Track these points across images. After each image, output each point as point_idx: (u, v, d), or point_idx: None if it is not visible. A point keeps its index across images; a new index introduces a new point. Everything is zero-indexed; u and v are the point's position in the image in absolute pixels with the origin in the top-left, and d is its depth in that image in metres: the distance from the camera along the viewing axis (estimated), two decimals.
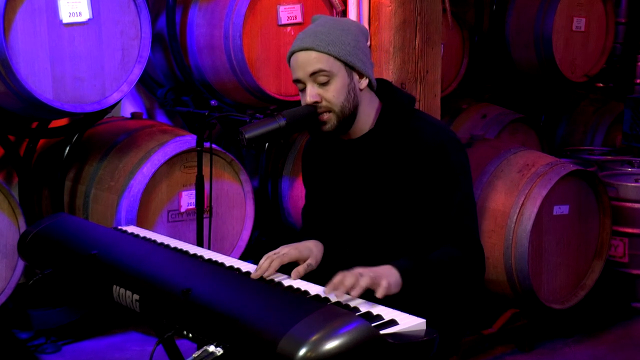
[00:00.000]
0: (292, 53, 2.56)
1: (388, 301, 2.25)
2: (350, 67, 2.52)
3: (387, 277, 2.29)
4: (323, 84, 2.51)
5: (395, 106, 2.62)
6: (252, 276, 2.41)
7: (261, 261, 2.46)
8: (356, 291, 2.17)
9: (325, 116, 2.54)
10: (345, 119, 2.54)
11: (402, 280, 2.33)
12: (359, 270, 2.27)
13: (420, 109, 3.68)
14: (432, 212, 2.54)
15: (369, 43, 2.66)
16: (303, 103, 2.57)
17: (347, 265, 2.59)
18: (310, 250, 2.58)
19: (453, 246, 2.50)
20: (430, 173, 2.53)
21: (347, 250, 2.68)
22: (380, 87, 2.67)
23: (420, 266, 2.40)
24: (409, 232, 2.59)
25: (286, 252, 2.50)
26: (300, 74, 2.53)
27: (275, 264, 2.44)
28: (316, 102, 2.52)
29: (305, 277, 2.49)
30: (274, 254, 2.49)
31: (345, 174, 2.67)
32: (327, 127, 2.55)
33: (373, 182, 2.61)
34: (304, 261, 2.53)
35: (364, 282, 2.20)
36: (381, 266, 2.35)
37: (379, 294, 2.19)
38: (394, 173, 2.57)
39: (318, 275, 2.57)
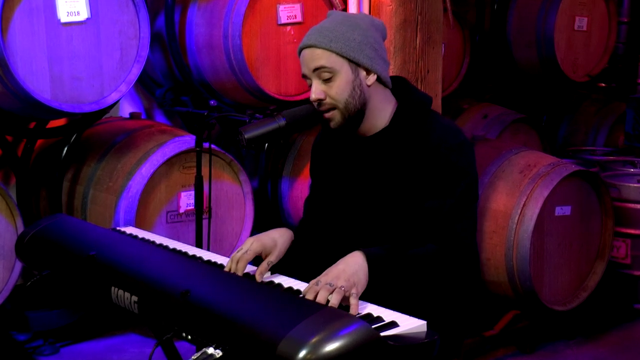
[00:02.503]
0: (300, 49, 2.57)
1: (388, 303, 2.24)
2: (354, 63, 2.51)
3: (355, 276, 2.27)
4: (327, 80, 2.51)
5: (411, 106, 2.61)
6: (225, 269, 2.45)
7: (228, 263, 2.49)
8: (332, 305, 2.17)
9: (329, 114, 2.53)
10: (350, 116, 2.53)
11: (369, 267, 2.32)
12: (327, 277, 2.25)
13: None
14: (424, 208, 2.52)
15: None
16: (311, 99, 2.56)
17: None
18: (274, 242, 2.56)
19: (433, 245, 2.48)
20: (433, 174, 2.52)
21: (349, 246, 2.65)
22: (397, 85, 2.65)
23: (389, 256, 2.39)
24: (409, 231, 2.57)
25: (249, 248, 2.50)
26: (305, 70, 2.55)
27: (241, 266, 2.45)
28: (320, 99, 2.52)
29: (301, 274, 2.50)
30: (238, 252, 2.50)
31: (353, 170, 2.66)
32: (333, 124, 2.55)
33: (379, 181, 2.59)
34: (267, 255, 2.52)
35: (336, 301, 2.17)
36: (348, 257, 2.34)
37: (352, 311, 2.16)
38: (401, 172, 2.56)
39: (315, 271, 2.56)
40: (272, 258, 2.52)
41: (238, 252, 2.50)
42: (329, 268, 2.31)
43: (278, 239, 2.57)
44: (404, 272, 2.42)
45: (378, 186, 2.59)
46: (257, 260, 2.52)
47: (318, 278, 2.27)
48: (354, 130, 2.59)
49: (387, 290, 2.37)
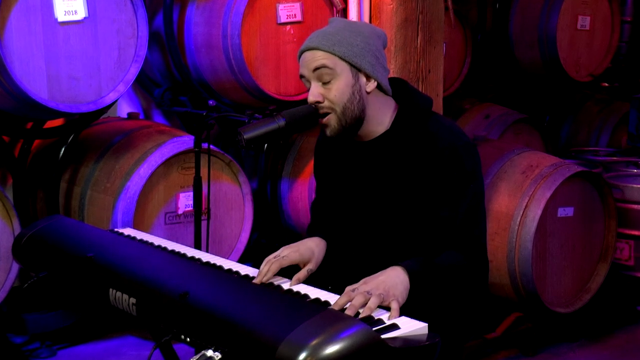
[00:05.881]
0: (301, 52, 2.55)
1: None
2: (356, 69, 2.49)
3: (395, 289, 2.25)
4: (326, 83, 2.48)
5: (412, 109, 2.58)
6: (254, 282, 2.39)
7: (262, 266, 2.43)
8: (366, 313, 2.12)
9: (326, 119, 2.51)
10: (347, 122, 2.50)
11: (410, 284, 2.30)
12: (366, 286, 2.23)
13: None
14: (440, 217, 2.50)
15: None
16: (308, 101, 2.53)
17: (354, 266, 2.57)
18: (312, 251, 2.55)
19: (458, 253, 2.47)
20: (442, 178, 2.50)
21: (355, 250, 2.66)
22: (397, 88, 2.62)
23: (427, 270, 2.37)
24: (417, 235, 2.55)
25: (286, 254, 2.48)
26: (304, 70, 2.52)
27: (274, 267, 2.41)
28: (318, 102, 2.50)
29: (310, 279, 2.47)
30: (274, 257, 2.46)
31: (357, 174, 2.63)
32: (329, 131, 2.53)
33: (384, 184, 2.57)
34: (305, 264, 2.51)
35: (373, 304, 2.15)
36: (389, 270, 2.32)
37: (392, 316, 2.13)
38: (405, 176, 2.54)
39: (322, 275, 2.55)
40: (312, 266, 2.51)
41: (273, 256, 2.47)
42: (368, 277, 2.28)
43: (314, 248, 2.57)
44: (439, 286, 2.41)
45: (385, 189, 2.57)
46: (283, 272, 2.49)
47: (355, 285, 2.24)
48: (350, 138, 2.58)
49: None
